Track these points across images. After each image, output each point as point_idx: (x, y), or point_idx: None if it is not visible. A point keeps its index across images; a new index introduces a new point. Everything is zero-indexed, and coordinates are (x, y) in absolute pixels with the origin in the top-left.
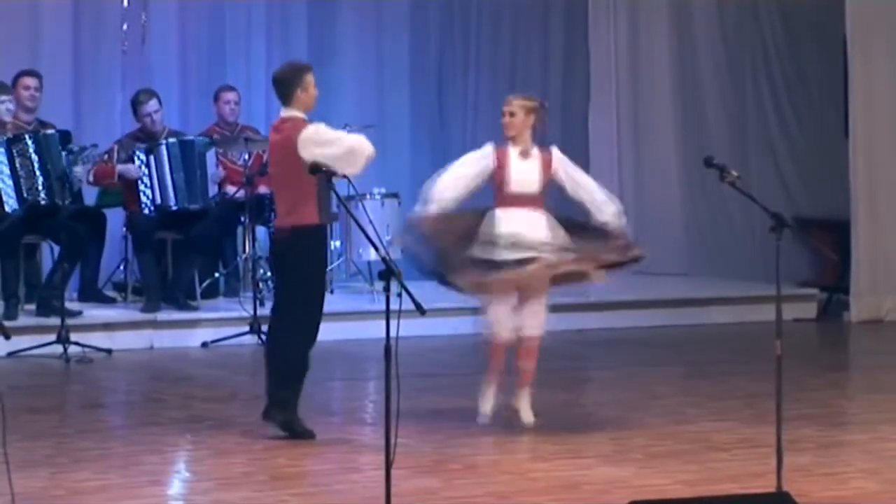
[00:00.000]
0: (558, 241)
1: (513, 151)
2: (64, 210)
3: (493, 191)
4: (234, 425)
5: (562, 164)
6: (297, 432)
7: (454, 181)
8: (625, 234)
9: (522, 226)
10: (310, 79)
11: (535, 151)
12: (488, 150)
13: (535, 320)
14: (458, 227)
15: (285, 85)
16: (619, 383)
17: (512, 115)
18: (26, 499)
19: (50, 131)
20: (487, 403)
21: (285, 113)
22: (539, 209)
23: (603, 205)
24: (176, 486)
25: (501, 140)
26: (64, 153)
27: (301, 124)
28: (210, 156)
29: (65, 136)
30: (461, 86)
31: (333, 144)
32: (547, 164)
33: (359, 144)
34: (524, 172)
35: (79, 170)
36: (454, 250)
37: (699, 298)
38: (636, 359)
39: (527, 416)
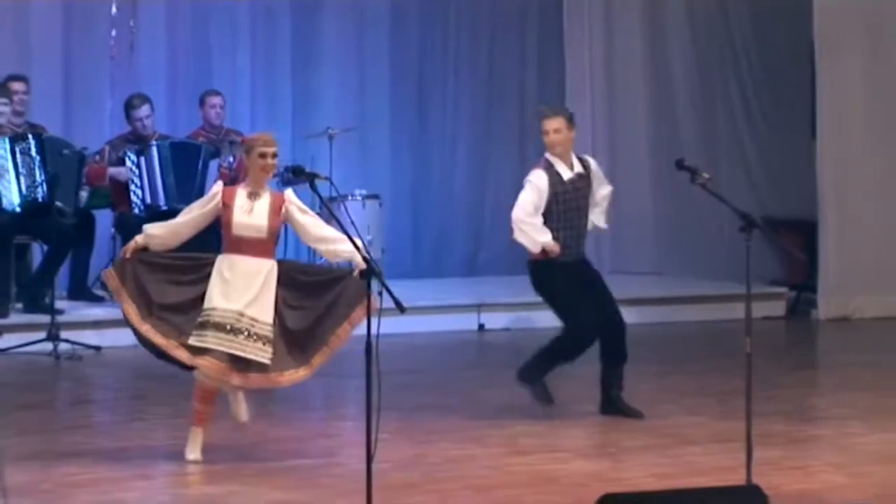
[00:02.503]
0: (286, 321)
1: (241, 192)
2: (55, 209)
3: (222, 234)
4: (220, 421)
5: (293, 206)
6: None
7: (174, 224)
8: (359, 279)
9: (238, 281)
10: (543, 125)
11: (267, 193)
12: (216, 189)
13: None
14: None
15: None
16: (595, 379)
17: (275, 155)
18: (17, 492)
19: (54, 135)
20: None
21: None
22: (267, 257)
23: (340, 245)
24: (163, 480)
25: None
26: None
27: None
28: (213, 165)
29: (81, 156)
30: (440, 91)
31: None
32: (277, 207)
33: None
34: (252, 214)
35: (83, 195)
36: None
37: (672, 297)
38: None
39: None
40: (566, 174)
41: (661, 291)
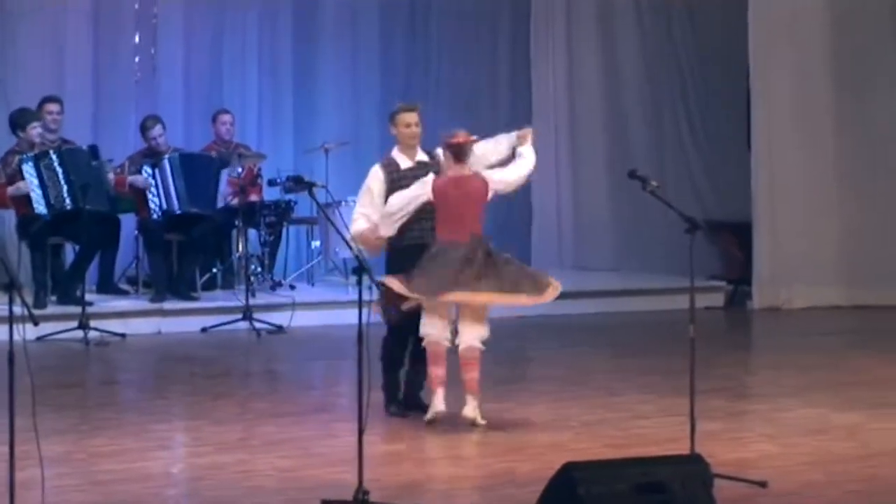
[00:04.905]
0: None
1: None
2: (85, 214)
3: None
4: (230, 398)
5: None
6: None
7: None
8: None
9: None
10: (399, 118)
11: None
12: None
13: (469, 335)
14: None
15: None
16: (558, 362)
17: None
18: (53, 461)
19: (73, 146)
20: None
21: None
22: None
23: None
24: (181, 451)
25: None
26: (94, 164)
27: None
28: (224, 174)
29: (93, 150)
30: (423, 108)
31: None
32: None
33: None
34: None
35: (111, 177)
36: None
37: (626, 290)
38: (573, 341)
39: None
40: (405, 164)
41: (617, 285)
